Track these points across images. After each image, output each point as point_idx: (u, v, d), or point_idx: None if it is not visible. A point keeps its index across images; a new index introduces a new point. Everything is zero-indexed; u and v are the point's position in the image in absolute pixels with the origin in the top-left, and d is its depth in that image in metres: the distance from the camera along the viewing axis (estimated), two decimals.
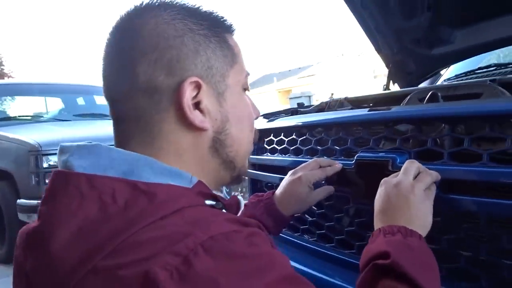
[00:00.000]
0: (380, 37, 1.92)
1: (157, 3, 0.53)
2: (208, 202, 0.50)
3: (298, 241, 0.97)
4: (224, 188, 1.48)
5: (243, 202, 0.59)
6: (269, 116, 1.38)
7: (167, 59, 0.49)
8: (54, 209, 0.46)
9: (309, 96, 8.95)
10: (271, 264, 0.41)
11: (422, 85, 2.15)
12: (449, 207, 0.66)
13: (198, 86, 0.50)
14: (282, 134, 1.09)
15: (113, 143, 0.53)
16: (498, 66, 1.80)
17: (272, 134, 1.14)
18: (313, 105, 1.43)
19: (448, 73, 2.13)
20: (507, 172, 0.59)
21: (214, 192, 0.54)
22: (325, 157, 0.92)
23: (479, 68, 1.89)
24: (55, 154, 2.52)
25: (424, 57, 1.94)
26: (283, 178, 1.03)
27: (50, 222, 0.45)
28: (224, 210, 0.52)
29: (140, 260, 0.39)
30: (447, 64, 2.06)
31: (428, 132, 0.72)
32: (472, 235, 0.65)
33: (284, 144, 1.07)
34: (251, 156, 1.19)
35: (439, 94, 0.83)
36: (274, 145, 1.11)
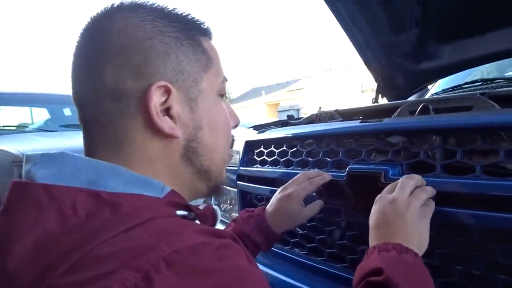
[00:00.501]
0: (369, 51, 1.94)
1: (127, 4, 0.51)
2: (179, 212, 0.47)
3: (289, 255, 0.95)
4: (212, 200, 1.46)
5: (219, 212, 0.56)
6: (259, 128, 1.37)
7: (135, 62, 0.47)
8: (11, 221, 0.43)
9: (298, 110, 9.00)
10: (241, 280, 0.38)
11: (410, 99, 2.17)
12: (442, 220, 0.65)
13: (167, 91, 0.48)
14: (273, 145, 1.08)
15: None
16: (485, 81, 1.83)
17: (262, 146, 1.13)
18: (302, 117, 1.43)
19: (435, 88, 2.16)
20: (500, 184, 0.58)
21: (190, 203, 0.51)
22: (316, 169, 0.91)
23: (466, 83, 1.92)
24: None
25: (412, 72, 1.96)
26: (273, 190, 1.02)
27: (7, 236, 0.42)
28: (197, 221, 0.49)
29: (98, 276, 0.35)
30: (434, 79, 2.09)
31: (420, 144, 0.72)
32: (466, 248, 0.64)
33: (274, 155, 1.06)
34: (241, 168, 1.17)
35: (430, 106, 0.83)
36: (265, 157, 1.10)
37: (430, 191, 0.63)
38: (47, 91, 5.10)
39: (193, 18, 0.53)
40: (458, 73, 2.01)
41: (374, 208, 0.64)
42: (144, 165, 0.48)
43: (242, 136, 1.31)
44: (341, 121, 1.16)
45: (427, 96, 2.15)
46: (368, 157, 0.80)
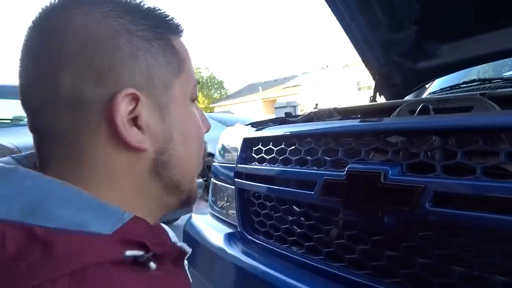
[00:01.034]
0: (367, 49, 1.94)
1: None
2: (129, 253, 0.39)
3: (286, 253, 0.95)
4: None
5: (189, 250, 0.50)
6: (257, 125, 1.37)
7: (97, 65, 0.41)
8: None
9: (294, 106, 8.98)
10: None
11: (407, 98, 2.17)
12: (442, 221, 0.65)
13: (135, 99, 0.42)
14: (271, 143, 1.08)
15: None
16: (482, 81, 1.83)
17: (260, 143, 1.12)
18: (300, 114, 1.42)
19: (433, 87, 2.16)
20: (500, 186, 0.58)
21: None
22: (314, 167, 0.91)
23: (464, 82, 1.92)
24: None
25: (410, 70, 1.96)
26: (271, 188, 1.01)
27: None
28: (152, 264, 0.41)
29: None
30: (432, 78, 2.09)
31: (420, 144, 0.72)
32: (465, 250, 0.64)
33: (272, 153, 1.05)
34: (239, 165, 1.17)
35: (430, 106, 0.83)
36: (263, 155, 1.09)
37: None
38: None
39: (162, 13, 0.47)
40: (456, 72, 2.02)
41: None
42: (105, 184, 0.42)
43: (239, 133, 1.31)
44: (340, 119, 1.15)
45: (424, 95, 2.15)
46: (368, 157, 0.80)
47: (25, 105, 0.44)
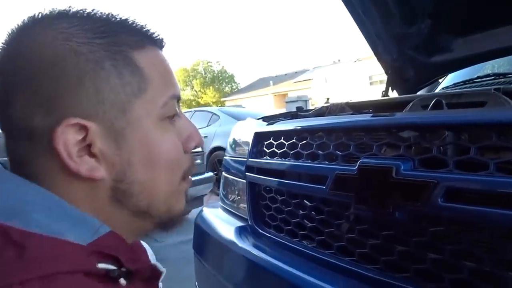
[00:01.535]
0: (380, 43, 1.92)
1: (47, 14, 0.42)
2: (101, 266, 0.39)
3: (297, 247, 0.96)
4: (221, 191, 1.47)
5: (163, 270, 0.49)
6: (268, 119, 1.37)
7: (44, 93, 0.39)
8: None
9: (306, 100, 8.94)
10: None
11: (420, 92, 2.15)
12: (453, 217, 0.65)
13: (83, 128, 0.40)
14: (282, 137, 1.08)
15: None
16: (497, 75, 1.80)
17: (272, 137, 1.13)
18: (312, 109, 1.42)
19: (446, 81, 2.14)
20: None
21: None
22: (326, 161, 0.91)
23: (478, 77, 1.90)
24: None
25: (423, 64, 1.94)
26: (282, 182, 1.02)
27: None
28: (122, 280, 0.40)
29: None
30: (445, 72, 2.07)
31: (432, 139, 0.71)
32: (477, 245, 0.64)
33: (284, 147, 1.05)
34: (250, 159, 1.17)
35: (443, 101, 0.82)
36: (274, 149, 1.10)
37: None
38: None
39: (126, 26, 0.44)
40: (469, 67, 1.99)
41: None
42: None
43: (251, 127, 1.31)
44: (352, 114, 1.15)
45: (437, 90, 2.13)
46: (379, 151, 0.80)
47: None
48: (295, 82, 30.06)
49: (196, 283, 1.36)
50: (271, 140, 1.13)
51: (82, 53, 0.40)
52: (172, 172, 0.46)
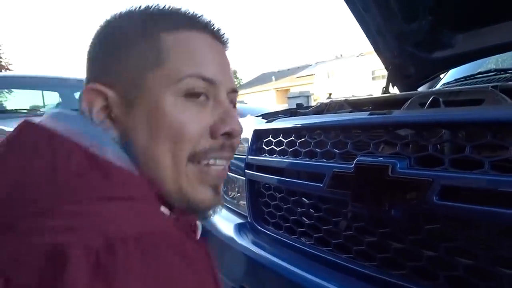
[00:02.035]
0: (381, 40, 1.92)
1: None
2: (162, 209, 0.45)
3: (295, 244, 0.97)
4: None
5: (200, 228, 0.53)
6: (268, 116, 1.37)
7: (92, 59, 0.50)
8: (3, 157, 0.42)
9: (308, 96, 8.92)
10: None
11: (421, 88, 2.15)
12: (449, 214, 0.65)
13: (104, 94, 0.47)
14: (281, 135, 1.09)
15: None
16: (498, 71, 1.80)
17: (270, 135, 1.13)
18: (312, 105, 1.42)
19: (447, 77, 2.13)
20: (507, 181, 0.58)
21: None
22: (324, 159, 0.91)
23: (479, 73, 1.89)
24: None
25: (424, 61, 1.94)
26: (281, 179, 1.02)
27: None
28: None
29: (65, 229, 0.34)
30: (446, 68, 2.06)
31: (429, 137, 0.71)
32: (472, 243, 0.64)
33: (282, 145, 1.06)
34: (249, 157, 1.18)
35: (440, 99, 0.82)
36: (273, 146, 1.10)
37: None
38: (58, 75, 5.14)
39: (164, 10, 0.50)
40: (471, 63, 1.99)
41: None
42: None
43: (250, 124, 1.32)
44: (350, 111, 1.15)
45: (438, 86, 2.13)
46: (376, 149, 0.80)
47: None
48: (297, 77, 29.98)
49: None
50: (270, 138, 1.13)
51: (118, 28, 0.49)
52: (175, 146, 0.47)
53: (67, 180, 0.38)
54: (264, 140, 1.16)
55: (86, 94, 0.47)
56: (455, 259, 0.65)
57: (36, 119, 0.45)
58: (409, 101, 0.95)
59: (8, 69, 25.52)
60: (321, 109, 1.25)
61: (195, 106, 0.48)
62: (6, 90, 4.50)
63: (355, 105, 1.19)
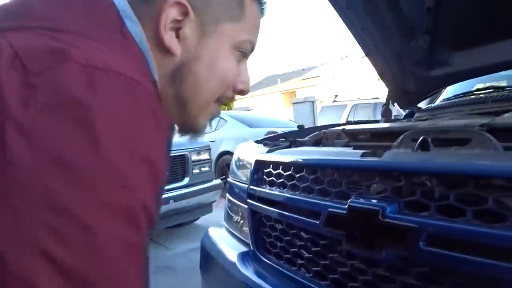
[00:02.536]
0: (380, 58, 1.96)
1: None
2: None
3: (295, 276, 1.01)
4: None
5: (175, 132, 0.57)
6: (269, 142, 1.42)
7: None
8: None
9: (312, 101, 8.96)
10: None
11: (421, 104, 2.18)
12: (435, 261, 0.69)
13: (185, 12, 0.50)
14: (281, 167, 1.13)
15: None
16: (496, 88, 1.83)
17: (271, 166, 1.18)
18: (311, 128, 1.46)
19: (446, 93, 2.16)
20: (484, 232, 0.62)
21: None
22: (320, 196, 0.96)
23: (477, 90, 1.92)
24: None
25: (423, 78, 1.97)
26: (281, 213, 1.07)
27: None
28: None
29: (59, 40, 0.39)
30: (446, 85, 2.09)
31: (416, 183, 0.75)
32: None
33: (282, 178, 1.10)
34: (251, 187, 1.22)
35: (429, 140, 0.86)
36: (273, 178, 1.15)
37: None
38: None
39: None
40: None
41: None
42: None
43: (252, 151, 1.36)
44: (348, 141, 1.20)
45: (438, 101, 2.16)
46: (369, 190, 0.84)
47: None
48: (302, 80, 29.98)
49: None
50: (270, 169, 1.17)
51: None
52: (218, 85, 0.55)
53: (94, 19, 0.44)
54: (265, 171, 1.20)
55: (169, 6, 0.49)
56: None
57: None
58: (402, 136, 0.99)
59: None
60: (319, 138, 1.29)
61: (236, 60, 0.56)
62: None
63: (352, 135, 1.23)
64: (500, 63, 1.72)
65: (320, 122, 9.15)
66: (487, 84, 2.02)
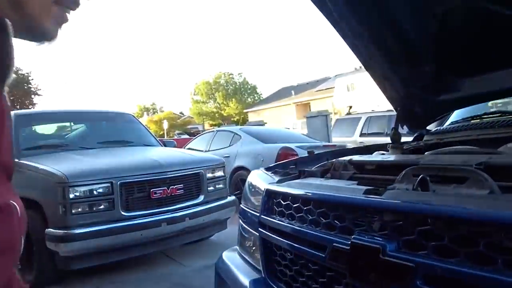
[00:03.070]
0: (388, 84, 2.01)
1: None
2: None
3: None
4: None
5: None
6: (279, 171, 1.48)
7: None
8: None
9: (326, 116, 9.02)
10: None
11: (430, 126, 2.22)
12: None
13: None
14: (290, 198, 1.19)
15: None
16: (503, 113, 1.86)
17: (280, 197, 1.24)
18: (325, 152, 1.51)
19: (454, 116, 2.19)
20: (476, 275, 0.67)
21: None
22: (326, 230, 1.01)
23: (485, 114, 1.96)
24: (81, 185, 2.66)
25: (431, 102, 2.02)
26: (290, 244, 1.13)
27: None
28: None
29: None
30: (453, 109, 2.13)
31: (415, 223, 0.81)
32: None
33: (291, 209, 1.16)
34: (262, 216, 1.29)
35: (428, 179, 0.91)
36: (282, 208, 1.21)
37: None
38: (84, 108, 5.40)
39: None
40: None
41: None
42: None
43: (263, 179, 1.43)
44: (354, 173, 1.25)
45: (446, 124, 2.19)
46: (370, 227, 0.90)
47: None
48: (316, 91, 30.05)
49: None
50: (280, 200, 1.24)
51: None
52: None
53: None
54: (275, 201, 1.26)
55: None
56: None
57: None
58: (404, 172, 1.04)
59: (37, 94, 26.67)
60: (327, 168, 1.35)
61: None
62: (34, 127, 4.77)
63: (358, 166, 1.28)
64: (507, 89, 1.76)
65: (334, 135, 9.19)
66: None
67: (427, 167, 1.01)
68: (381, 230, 0.87)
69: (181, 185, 3.72)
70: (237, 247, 1.58)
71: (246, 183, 1.63)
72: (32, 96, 26.41)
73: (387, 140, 1.97)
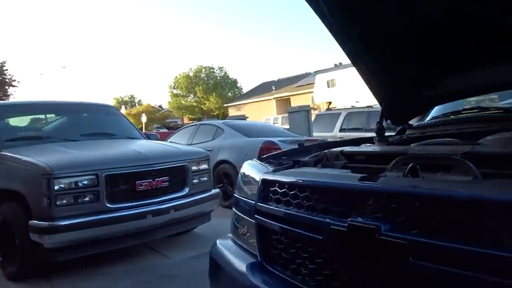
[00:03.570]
0: (373, 79, 2.10)
1: None
2: None
3: (301, 285, 1.13)
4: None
5: None
6: (273, 161, 1.54)
7: None
8: None
9: (307, 110, 9.14)
10: None
11: (412, 121, 2.33)
12: (424, 273, 0.82)
13: None
14: (286, 186, 1.25)
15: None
16: (482, 109, 1.97)
17: (276, 185, 1.30)
18: (312, 140, 1.58)
19: (434, 111, 2.30)
20: (467, 249, 0.75)
21: None
22: (323, 214, 1.08)
23: (464, 109, 2.07)
24: (66, 177, 2.67)
25: (414, 98, 2.12)
26: (284, 227, 1.19)
27: None
28: None
29: None
30: (435, 105, 2.24)
31: (407, 205, 0.88)
32: None
33: (287, 196, 1.23)
34: (258, 204, 1.35)
35: (418, 167, 0.99)
36: (279, 196, 1.27)
37: None
38: (67, 100, 5.32)
39: None
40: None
41: None
42: None
43: (258, 169, 1.49)
44: (345, 163, 1.33)
45: (427, 119, 2.30)
46: (365, 210, 0.97)
47: None
48: (297, 87, 30.24)
49: None
50: (276, 188, 1.30)
51: None
52: None
53: None
54: (271, 189, 1.32)
55: None
56: None
57: None
58: (394, 161, 1.12)
59: (11, 85, 25.88)
60: (319, 158, 1.42)
61: None
62: (16, 117, 4.68)
63: (350, 156, 1.36)
64: (487, 86, 1.87)
65: (314, 130, 9.33)
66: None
67: (416, 156, 1.09)
68: (376, 213, 0.94)
69: (167, 177, 3.74)
70: (231, 235, 1.63)
71: (240, 174, 1.68)
72: (6, 87, 25.63)
73: (367, 135, 2.06)
